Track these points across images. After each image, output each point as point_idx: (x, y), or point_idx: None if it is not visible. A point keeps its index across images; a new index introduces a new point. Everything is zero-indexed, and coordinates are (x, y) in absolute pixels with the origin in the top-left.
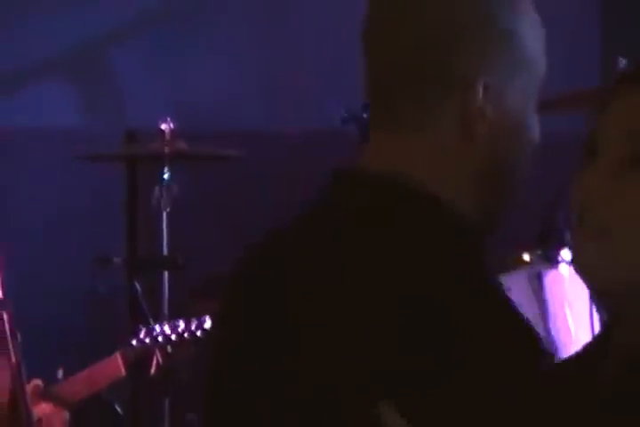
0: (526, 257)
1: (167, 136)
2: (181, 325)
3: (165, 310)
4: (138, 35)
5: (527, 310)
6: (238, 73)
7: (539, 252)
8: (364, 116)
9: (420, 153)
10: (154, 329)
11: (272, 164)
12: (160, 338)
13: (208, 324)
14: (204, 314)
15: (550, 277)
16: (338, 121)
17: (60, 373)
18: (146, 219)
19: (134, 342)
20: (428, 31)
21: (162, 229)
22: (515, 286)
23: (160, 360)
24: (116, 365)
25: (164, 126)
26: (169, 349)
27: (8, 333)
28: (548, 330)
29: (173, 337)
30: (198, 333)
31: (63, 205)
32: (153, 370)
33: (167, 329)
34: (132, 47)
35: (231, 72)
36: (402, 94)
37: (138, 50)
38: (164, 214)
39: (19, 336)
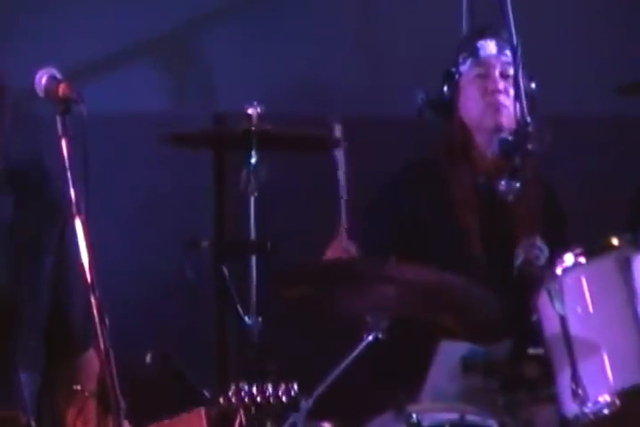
0: (615, 241)
1: (254, 120)
2: (269, 388)
3: (253, 295)
4: (226, 19)
5: (615, 295)
6: (327, 57)
7: (628, 236)
8: (447, 101)
9: None
10: (242, 389)
11: (362, 148)
12: (246, 399)
13: (295, 390)
14: (294, 300)
15: (639, 262)
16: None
17: (149, 357)
18: (233, 203)
19: (221, 400)
20: None
21: (249, 214)
22: (602, 271)
23: (243, 421)
24: (200, 421)
25: (251, 110)
26: (253, 410)
27: (97, 318)
28: (636, 316)
29: (259, 399)
30: (284, 398)
31: (152, 189)
32: None
33: (254, 390)
34: (220, 31)
35: (320, 56)
36: None
37: (226, 34)
38: (252, 199)
39: (107, 321)
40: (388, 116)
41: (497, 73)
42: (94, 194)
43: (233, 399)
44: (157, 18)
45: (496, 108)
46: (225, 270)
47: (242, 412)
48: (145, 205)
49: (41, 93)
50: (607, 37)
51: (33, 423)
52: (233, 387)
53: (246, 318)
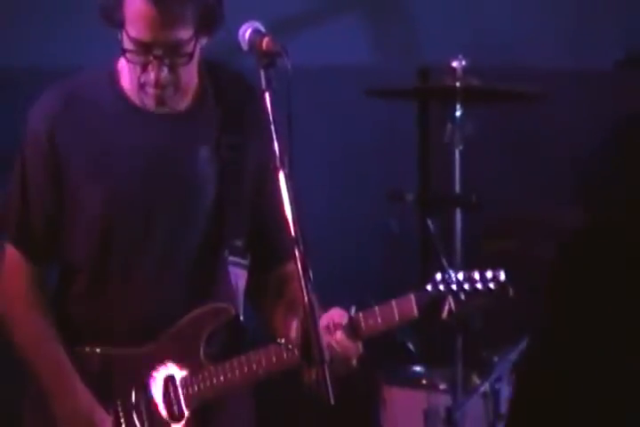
0: None
1: (459, 74)
2: (476, 275)
3: (458, 250)
4: None
5: None
6: (534, 9)
7: None
8: None
9: None
10: (449, 276)
11: (568, 103)
12: (454, 286)
13: (503, 277)
14: (497, 254)
15: None
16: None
17: (353, 310)
18: (438, 156)
19: (429, 287)
20: None
21: (454, 167)
22: None
23: (452, 307)
24: (410, 306)
25: (455, 64)
26: (462, 296)
27: (300, 270)
28: None
29: (466, 286)
30: (491, 285)
31: (356, 143)
32: (445, 315)
33: (461, 277)
34: None
35: (527, 8)
36: None
37: None
38: (457, 152)
39: (311, 274)
40: (586, 70)
41: None
42: (298, 147)
43: (440, 286)
44: None
45: None
46: (430, 224)
47: (451, 299)
48: (349, 158)
49: (245, 47)
50: None
51: (241, 317)
52: (439, 275)
53: (451, 272)
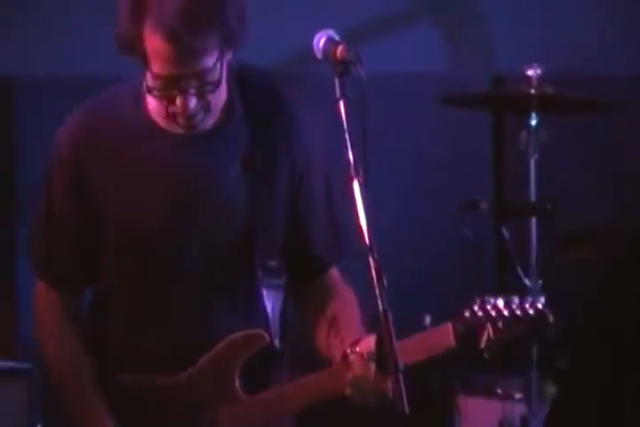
0: None
1: (534, 81)
2: (515, 302)
3: (533, 258)
4: None
5: None
6: (608, 17)
7: None
8: None
9: None
10: (488, 302)
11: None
12: (493, 313)
13: (542, 303)
14: (572, 263)
15: None
16: None
17: (428, 319)
18: (513, 164)
19: (467, 314)
20: None
21: (529, 175)
22: None
23: (491, 335)
24: (447, 335)
25: (530, 72)
26: (500, 325)
27: (375, 279)
28: None
29: (506, 313)
30: (531, 312)
31: (430, 150)
32: (483, 344)
33: (501, 304)
34: None
35: (601, 16)
36: None
37: None
38: (532, 160)
39: (385, 282)
40: None
41: None
42: (372, 155)
43: (479, 313)
44: None
45: None
46: (505, 232)
47: (489, 326)
48: (422, 166)
49: (319, 55)
50: None
51: (277, 342)
52: (478, 301)
53: (526, 281)
